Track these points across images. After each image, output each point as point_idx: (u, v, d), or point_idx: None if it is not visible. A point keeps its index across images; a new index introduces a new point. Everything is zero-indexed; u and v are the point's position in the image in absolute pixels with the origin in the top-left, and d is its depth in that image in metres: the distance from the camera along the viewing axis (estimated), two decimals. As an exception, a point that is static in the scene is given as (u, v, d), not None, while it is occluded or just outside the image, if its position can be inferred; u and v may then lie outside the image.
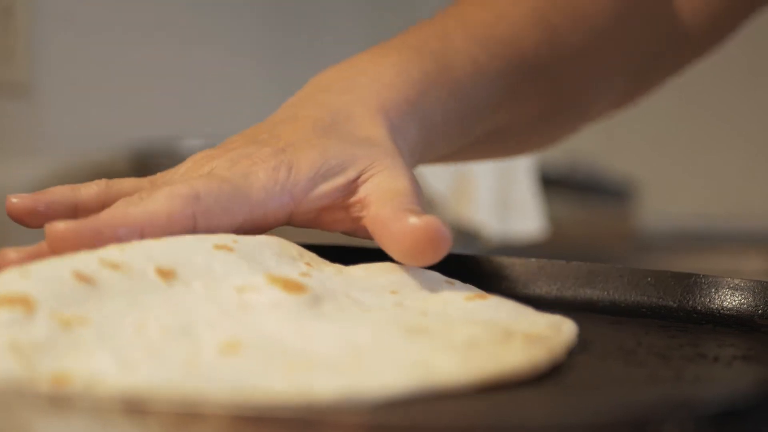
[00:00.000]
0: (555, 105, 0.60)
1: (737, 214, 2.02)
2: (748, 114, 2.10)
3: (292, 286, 0.37)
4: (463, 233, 1.33)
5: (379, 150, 0.45)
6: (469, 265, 0.48)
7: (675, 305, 0.46)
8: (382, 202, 0.42)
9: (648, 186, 1.99)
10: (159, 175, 0.45)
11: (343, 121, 0.46)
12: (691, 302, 0.45)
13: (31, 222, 0.42)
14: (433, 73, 0.51)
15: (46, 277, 0.34)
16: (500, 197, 1.37)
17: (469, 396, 0.31)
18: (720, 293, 0.45)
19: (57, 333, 0.31)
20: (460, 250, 0.44)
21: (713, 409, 0.28)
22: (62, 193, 0.43)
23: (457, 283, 0.42)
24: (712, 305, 0.45)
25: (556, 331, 0.37)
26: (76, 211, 0.43)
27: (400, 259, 0.40)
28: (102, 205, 0.43)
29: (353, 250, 0.46)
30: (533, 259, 0.48)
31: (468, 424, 0.27)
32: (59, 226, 0.37)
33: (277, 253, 0.41)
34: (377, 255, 0.42)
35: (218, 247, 0.39)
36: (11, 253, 0.39)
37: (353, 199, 0.44)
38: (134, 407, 0.27)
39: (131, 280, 0.35)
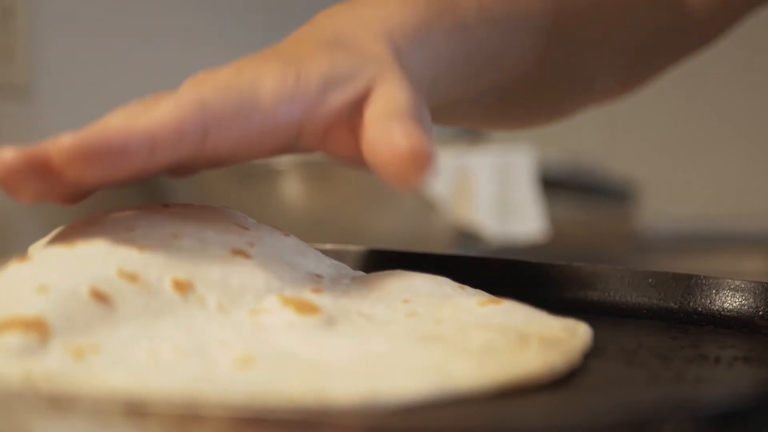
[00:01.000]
0: (560, 68, 0.60)
1: (738, 215, 2.02)
2: (749, 115, 2.10)
3: (304, 308, 0.36)
4: (464, 235, 1.33)
5: (385, 65, 0.43)
6: (471, 267, 0.48)
7: (676, 306, 0.46)
8: (376, 122, 0.40)
9: (648, 187, 1.99)
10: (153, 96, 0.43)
11: (347, 40, 0.44)
12: (691, 303, 0.45)
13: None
14: (440, 5, 0.49)
15: (62, 293, 0.34)
16: (501, 198, 1.37)
17: (480, 401, 0.30)
18: (721, 294, 0.45)
19: (69, 363, 0.31)
20: (460, 252, 0.44)
21: (714, 410, 0.28)
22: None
23: (468, 288, 0.42)
24: (713, 306, 0.45)
25: (572, 335, 0.36)
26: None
27: (390, 183, 0.38)
28: None
29: (369, 253, 0.46)
30: (534, 261, 0.48)
31: (465, 426, 0.27)
32: (65, 142, 0.34)
33: (299, 252, 0.40)
34: (393, 258, 0.42)
35: (236, 252, 0.39)
36: (8, 152, 0.35)
37: (359, 120, 0.41)
38: (134, 408, 0.27)
39: (147, 297, 0.35)
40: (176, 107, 0.37)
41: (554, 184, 1.57)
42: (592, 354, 0.37)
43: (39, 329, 0.32)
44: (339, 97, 0.41)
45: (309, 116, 0.40)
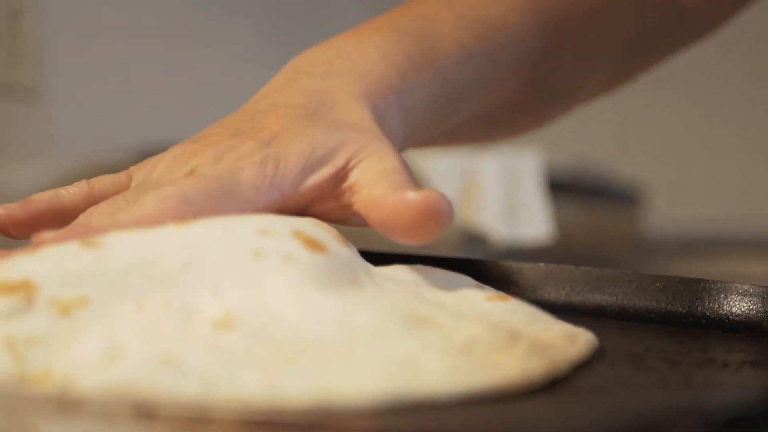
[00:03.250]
0: (542, 89, 0.59)
1: (744, 218, 2.01)
2: (755, 119, 2.10)
3: (313, 244, 0.36)
4: (471, 237, 1.33)
5: (365, 135, 0.43)
6: (477, 269, 0.48)
7: (684, 311, 0.45)
8: (374, 183, 0.41)
9: (655, 190, 1.99)
10: (134, 168, 0.44)
11: (326, 108, 0.44)
12: (699, 308, 0.45)
13: (18, 233, 0.41)
14: (418, 57, 0.49)
15: (53, 252, 0.34)
16: (507, 201, 1.37)
17: (473, 402, 0.30)
18: (729, 299, 0.45)
19: (55, 323, 0.31)
20: (467, 255, 0.44)
21: (722, 415, 0.28)
22: (47, 200, 0.42)
23: (489, 288, 0.42)
24: (721, 311, 0.45)
25: (570, 342, 0.36)
26: (63, 217, 0.42)
27: (399, 238, 0.39)
28: (88, 206, 0.42)
29: (388, 256, 0.45)
30: (541, 264, 0.48)
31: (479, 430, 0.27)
32: (47, 237, 0.36)
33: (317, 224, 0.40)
34: (398, 260, 0.42)
35: (263, 232, 0.38)
36: (49, 234, 0.37)
37: (343, 186, 0.42)
38: (143, 411, 0.27)
39: (144, 232, 0.35)
40: (158, 202, 0.38)
41: (560, 187, 1.56)
42: (599, 358, 0.37)
43: (25, 290, 0.32)
44: (318, 178, 0.42)
45: (287, 199, 0.41)
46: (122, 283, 0.33)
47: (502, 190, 1.37)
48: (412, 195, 0.38)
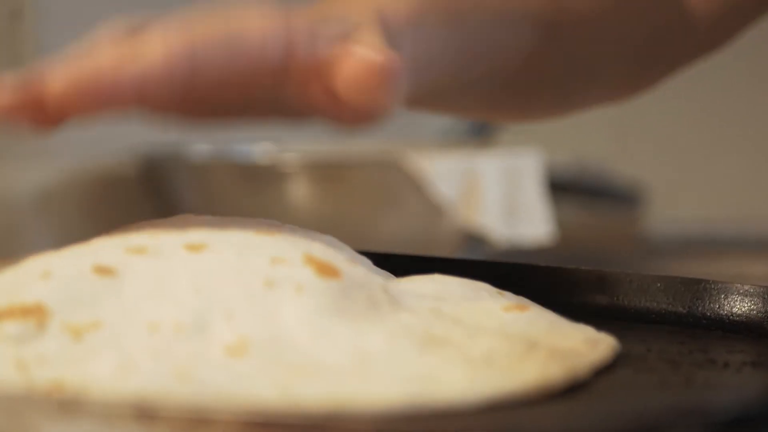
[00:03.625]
0: (561, 61, 0.59)
1: (745, 218, 2.01)
2: (757, 120, 2.10)
3: (326, 270, 0.36)
4: (471, 238, 1.33)
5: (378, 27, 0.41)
6: (478, 270, 0.48)
7: (684, 311, 0.45)
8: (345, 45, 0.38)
9: (656, 190, 1.99)
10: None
11: (344, 18, 0.42)
12: (700, 308, 0.45)
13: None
14: None
15: (65, 275, 0.34)
16: (507, 202, 1.37)
17: (470, 412, 0.30)
18: (730, 299, 0.45)
19: (67, 346, 0.31)
20: (467, 255, 0.44)
21: (723, 416, 0.28)
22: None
23: (508, 294, 0.42)
24: (722, 311, 0.45)
25: (592, 348, 0.36)
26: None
27: (347, 97, 0.36)
28: None
29: (375, 257, 0.45)
30: (542, 265, 0.48)
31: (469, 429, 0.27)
32: (58, 81, 0.34)
33: (332, 244, 0.40)
34: (399, 261, 0.42)
35: (260, 231, 0.38)
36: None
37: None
38: (144, 412, 0.27)
39: (156, 260, 0.35)
40: (166, 48, 0.36)
41: (561, 187, 1.56)
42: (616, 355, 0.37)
43: (38, 315, 0.32)
44: (325, 46, 0.39)
45: (295, 59, 0.38)
46: (135, 309, 0.33)
47: (502, 191, 1.37)
48: (362, 50, 0.36)
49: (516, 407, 0.30)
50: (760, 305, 0.44)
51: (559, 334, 0.37)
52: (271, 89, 0.40)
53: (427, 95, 0.51)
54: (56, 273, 0.34)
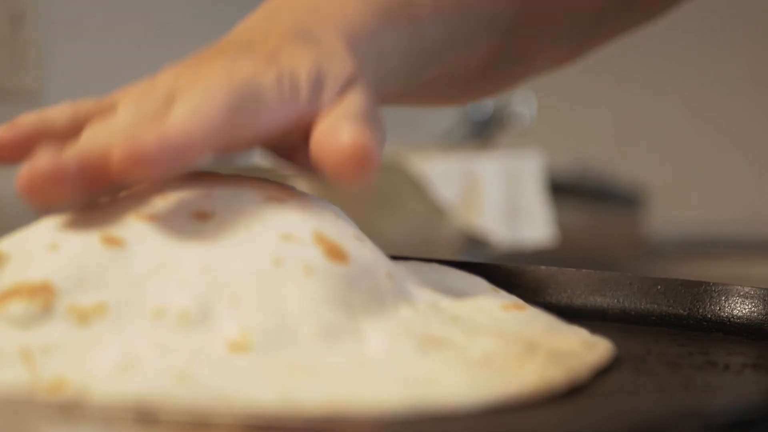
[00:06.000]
0: (503, 53, 0.60)
1: (746, 220, 2.01)
2: (758, 121, 2.10)
3: (335, 253, 0.35)
4: (472, 240, 1.33)
5: (357, 64, 0.43)
6: (479, 272, 0.48)
7: (685, 313, 0.45)
8: (330, 118, 0.39)
9: (657, 192, 1.99)
10: (121, 93, 0.42)
11: (314, 39, 0.44)
12: (701, 310, 0.45)
13: (8, 156, 0.39)
14: (396, 6, 0.49)
15: (73, 248, 0.33)
16: (508, 204, 1.37)
17: (469, 416, 0.30)
18: (730, 301, 0.45)
19: (72, 332, 0.31)
20: (468, 258, 0.44)
21: (723, 419, 0.28)
22: (34, 120, 0.39)
23: (502, 292, 0.42)
24: (722, 313, 0.45)
25: (589, 349, 0.36)
26: (51, 139, 0.39)
27: (327, 177, 0.37)
28: (75, 129, 0.39)
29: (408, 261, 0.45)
30: (543, 267, 0.48)
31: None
32: (128, 148, 0.33)
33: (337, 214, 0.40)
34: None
35: (270, 198, 0.37)
36: (44, 160, 0.34)
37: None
38: (145, 416, 0.27)
39: (165, 229, 0.34)
40: (191, 115, 0.36)
41: (562, 189, 1.56)
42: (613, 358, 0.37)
43: (44, 294, 0.32)
44: (328, 93, 0.40)
45: (300, 115, 0.39)
46: (141, 289, 0.33)
47: (503, 193, 1.37)
48: (342, 138, 0.37)
49: (515, 410, 0.30)
50: (760, 307, 0.44)
51: (557, 336, 0.37)
52: (279, 138, 0.40)
53: (387, 99, 0.52)
54: (64, 245, 0.34)
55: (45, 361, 0.30)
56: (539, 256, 1.38)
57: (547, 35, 0.62)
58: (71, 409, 0.28)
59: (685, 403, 0.32)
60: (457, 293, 0.40)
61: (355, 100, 0.40)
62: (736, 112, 2.11)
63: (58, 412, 0.28)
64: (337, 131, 0.37)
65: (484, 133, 1.65)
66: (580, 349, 0.35)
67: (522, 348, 0.34)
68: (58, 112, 0.41)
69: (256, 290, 0.33)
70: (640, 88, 2.11)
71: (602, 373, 0.35)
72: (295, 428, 0.27)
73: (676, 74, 2.09)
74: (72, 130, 0.39)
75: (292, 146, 0.41)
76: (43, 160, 0.34)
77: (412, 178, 1.28)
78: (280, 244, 0.35)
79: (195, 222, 0.35)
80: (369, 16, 0.47)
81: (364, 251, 0.37)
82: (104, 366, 0.30)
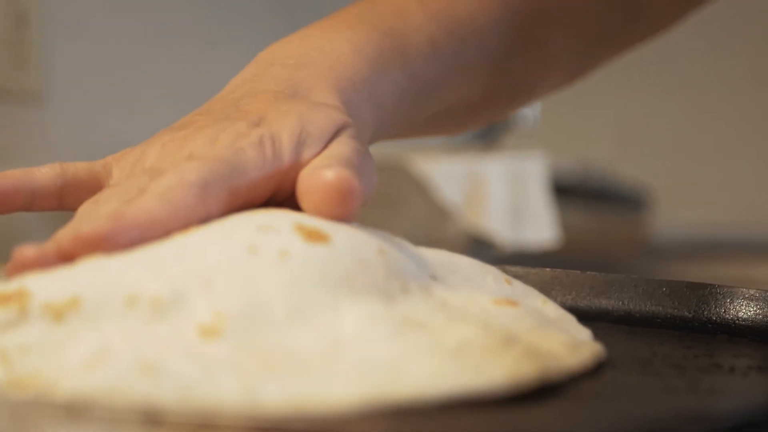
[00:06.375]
0: (505, 84, 0.60)
1: (750, 222, 2.01)
2: (761, 122, 2.10)
3: (314, 235, 0.35)
4: (476, 241, 1.33)
5: (345, 117, 0.44)
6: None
7: (690, 315, 0.45)
8: (314, 162, 0.41)
9: (661, 194, 1.99)
10: (112, 159, 0.43)
11: (303, 94, 0.45)
12: (706, 312, 0.45)
13: None
14: (389, 51, 0.49)
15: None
16: (513, 205, 1.37)
17: (481, 406, 0.30)
18: (735, 303, 0.45)
19: (48, 330, 0.31)
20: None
21: (729, 421, 0.28)
22: (17, 178, 0.41)
23: (517, 283, 0.42)
24: (728, 315, 0.45)
25: (570, 352, 0.35)
26: (33, 199, 0.41)
27: (312, 214, 0.39)
28: (60, 190, 0.41)
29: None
30: (548, 269, 0.48)
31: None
32: (84, 233, 0.35)
33: None
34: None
35: (262, 228, 0.38)
36: (29, 250, 0.36)
37: None
38: (150, 418, 0.27)
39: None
40: (177, 192, 0.37)
41: (566, 191, 1.56)
42: (605, 363, 0.37)
43: (19, 299, 0.32)
44: (309, 154, 0.41)
45: (283, 178, 0.41)
46: (115, 280, 0.33)
47: (508, 195, 1.37)
48: (326, 173, 0.38)
49: (498, 406, 0.30)
50: (765, 310, 0.44)
51: (543, 334, 0.36)
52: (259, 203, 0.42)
53: (389, 136, 0.53)
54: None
55: (23, 359, 0.30)
56: (543, 257, 1.38)
57: (547, 63, 0.62)
58: (75, 411, 0.28)
59: (691, 406, 0.32)
60: (460, 281, 0.39)
61: (339, 148, 0.41)
62: (739, 114, 2.11)
63: (62, 413, 0.28)
64: (322, 169, 0.39)
65: (488, 134, 1.65)
66: (562, 350, 0.35)
67: (499, 341, 0.33)
68: (44, 171, 0.42)
69: (229, 276, 0.33)
70: (643, 90, 2.11)
71: (607, 375, 0.35)
72: (299, 430, 0.27)
73: (679, 76, 2.09)
74: (57, 190, 0.41)
75: (280, 204, 0.42)
76: (27, 250, 0.35)
77: (416, 179, 1.28)
78: (256, 234, 0.35)
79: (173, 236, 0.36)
80: (362, 64, 0.48)
81: (350, 231, 0.37)
82: (75, 360, 0.30)
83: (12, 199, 0.41)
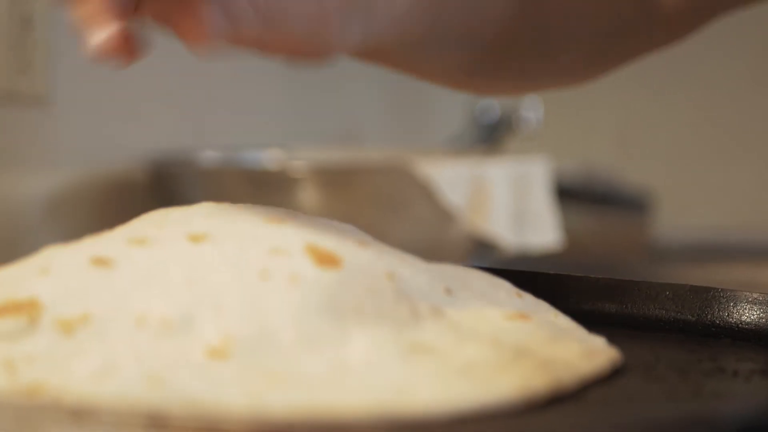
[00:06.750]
0: (529, 32, 0.60)
1: (753, 225, 2.01)
2: (765, 126, 2.10)
3: (326, 259, 0.35)
4: (479, 244, 1.33)
5: None
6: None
7: (693, 319, 0.45)
8: None
9: (664, 197, 1.99)
10: None
11: None
12: (709, 316, 0.45)
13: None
14: None
15: (63, 270, 0.34)
16: (516, 208, 1.37)
17: (489, 418, 0.30)
18: (738, 307, 0.45)
19: (57, 343, 0.31)
20: (476, 262, 0.44)
21: (733, 425, 0.28)
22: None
23: (527, 296, 0.42)
24: (731, 319, 0.45)
25: (585, 360, 0.35)
26: None
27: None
28: None
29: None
30: (551, 273, 0.48)
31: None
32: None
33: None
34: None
35: (272, 219, 0.38)
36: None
37: None
38: (156, 422, 0.27)
39: (156, 249, 0.35)
40: None
41: (569, 194, 1.56)
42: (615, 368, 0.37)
43: (30, 310, 0.32)
44: None
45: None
46: (126, 300, 0.33)
47: (511, 198, 1.37)
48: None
49: (500, 417, 0.30)
50: (769, 313, 0.44)
51: (556, 345, 0.36)
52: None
53: (402, 46, 0.52)
54: (54, 268, 0.34)
55: (28, 369, 0.30)
56: (546, 260, 1.38)
57: (570, 26, 0.61)
58: (80, 415, 0.28)
59: (694, 410, 0.32)
60: (472, 297, 0.39)
61: None
62: (742, 117, 2.11)
63: (67, 417, 0.28)
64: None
65: (491, 138, 1.65)
66: (576, 359, 0.35)
67: (510, 356, 0.34)
68: None
69: (239, 300, 0.33)
70: (646, 93, 2.11)
71: (611, 380, 0.35)
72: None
73: (683, 79, 2.09)
74: None
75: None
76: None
77: (419, 182, 1.28)
78: (268, 258, 0.35)
79: (188, 243, 0.36)
80: None
81: (362, 254, 0.37)
82: (83, 372, 0.30)
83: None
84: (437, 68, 0.62)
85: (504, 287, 0.41)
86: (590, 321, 0.46)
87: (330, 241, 0.37)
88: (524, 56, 0.62)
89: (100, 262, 0.34)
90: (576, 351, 0.36)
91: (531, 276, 0.48)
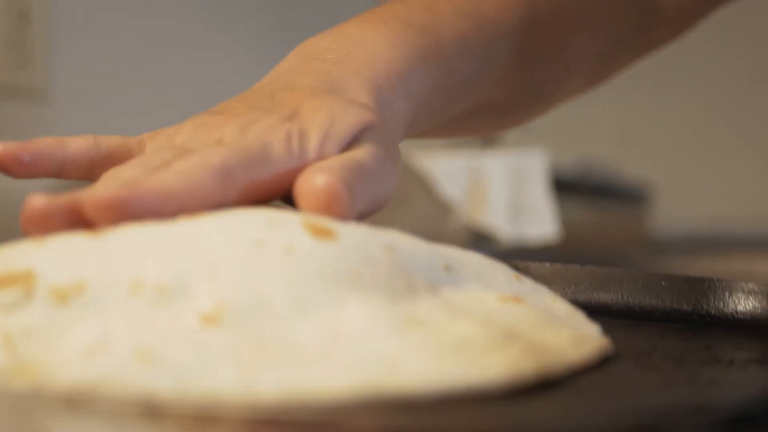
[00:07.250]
0: (531, 85, 0.61)
1: (750, 217, 2.01)
2: (762, 119, 2.10)
3: (322, 232, 0.36)
4: (477, 236, 1.33)
5: (377, 116, 0.44)
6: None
7: (689, 309, 0.46)
8: (313, 165, 0.41)
9: (661, 189, 1.99)
10: (147, 136, 0.44)
11: (338, 91, 0.46)
12: (705, 306, 0.45)
13: (17, 171, 0.41)
14: (424, 47, 0.50)
15: (57, 240, 0.34)
16: (514, 201, 1.37)
17: (480, 400, 0.30)
18: (734, 297, 0.45)
19: (52, 313, 0.31)
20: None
21: (728, 414, 0.29)
22: (49, 145, 0.42)
23: (526, 280, 0.42)
24: (727, 309, 0.45)
25: (574, 347, 0.35)
26: (62, 166, 0.42)
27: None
28: (90, 161, 0.42)
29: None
30: (547, 263, 0.48)
31: (484, 429, 0.27)
32: (99, 197, 0.35)
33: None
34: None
35: (271, 223, 0.38)
36: (39, 200, 0.36)
37: None
38: (151, 410, 0.27)
39: (153, 223, 0.35)
40: (200, 171, 0.38)
41: (567, 187, 1.56)
42: (604, 357, 0.37)
43: (25, 281, 0.32)
44: (335, 148, 0.42)
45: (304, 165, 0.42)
46: (121, 266, 0.33)
47: (509, 190, 1.37)
48: (317, 179, 0.39)
49: (492, 402, 0.30)
50: (764, 303, 0.44)
51: (547, 330, 0.36)
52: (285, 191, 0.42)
53: (420, 134, 0.54)
54: (50, 240, 0.35)
55: (26, 345, 0.30)
56: (544, 252, 1.39)
57: (569, 65, 0.62)
58: (78, 403, 0.28)
59: (690, 399, 0.32)
60: (471, 276, 0.40)
61: (356, 152, 0.42)
62: (740, 110, 2.11)
63: (64, 406, 0.28)
64: (315, 173, 0.39)
65: (488, 130, 1.65)
66: (565, 345, 0.35)
67: (499, 337, 0.34)
68: (78, 142, 0.43)
69: (234, 268, 0.33)
70: (644, 85, 2.11)
71: (606, 367, 0.35)
72: (303, 423, 0.27)
73: (681, 73, 2.09)
74: (88, 162, 0.42)
75: None
76: (37, 199, 0.36)
77: (418, 175, 1.28)
78: (264, 229, 0.35)
79: (184, 219, 0.36)
80: (399, 59, 0.49)
81: (357, 228, 0.37)
82: (75, 347, 0.30)
83: (42, 164, 0.41)
84: (456, 134, 0.65)
85: (502, 269, 0.42)
86: (587, 311, 0.46)
87: (328, 221, 0.37)
88: (523, 103, 0.63)
89: (96, 233, 0.35)
90: (566, 337, 0.36)
91: (527, 267, 0.48)
